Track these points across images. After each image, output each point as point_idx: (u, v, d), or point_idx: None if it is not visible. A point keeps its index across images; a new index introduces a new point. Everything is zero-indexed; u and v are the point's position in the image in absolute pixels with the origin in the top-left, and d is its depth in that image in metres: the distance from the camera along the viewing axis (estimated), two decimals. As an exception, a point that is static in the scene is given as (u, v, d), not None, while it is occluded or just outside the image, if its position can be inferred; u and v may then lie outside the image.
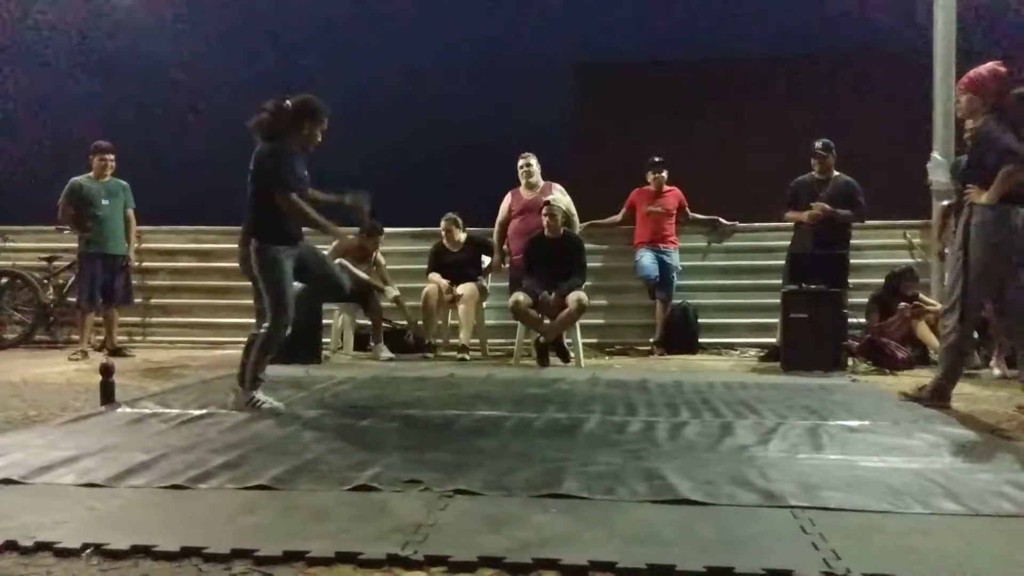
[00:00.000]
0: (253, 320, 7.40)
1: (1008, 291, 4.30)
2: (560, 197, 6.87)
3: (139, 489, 2.70)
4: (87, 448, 3.22)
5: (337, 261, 7.04)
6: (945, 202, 4.54)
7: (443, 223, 7.09)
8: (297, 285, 4.46)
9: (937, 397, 4.41)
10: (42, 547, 2.16)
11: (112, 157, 7.11)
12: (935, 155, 4.49)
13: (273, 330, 4.23)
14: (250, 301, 7.60)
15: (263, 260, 4.21)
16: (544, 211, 6.50)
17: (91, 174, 7.07)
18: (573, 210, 7.08)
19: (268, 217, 4.23)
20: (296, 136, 4.27)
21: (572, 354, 6.49)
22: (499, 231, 7.22)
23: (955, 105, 4.42)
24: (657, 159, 7.50)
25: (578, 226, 7.15)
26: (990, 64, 4.33)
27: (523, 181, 7.14)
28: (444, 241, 7.12)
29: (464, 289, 6.82)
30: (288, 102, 4.22)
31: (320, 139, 4.34)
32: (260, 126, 4.22)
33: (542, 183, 7.13)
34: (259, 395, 4.24)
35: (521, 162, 7.16)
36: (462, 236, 7.13)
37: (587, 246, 6.86)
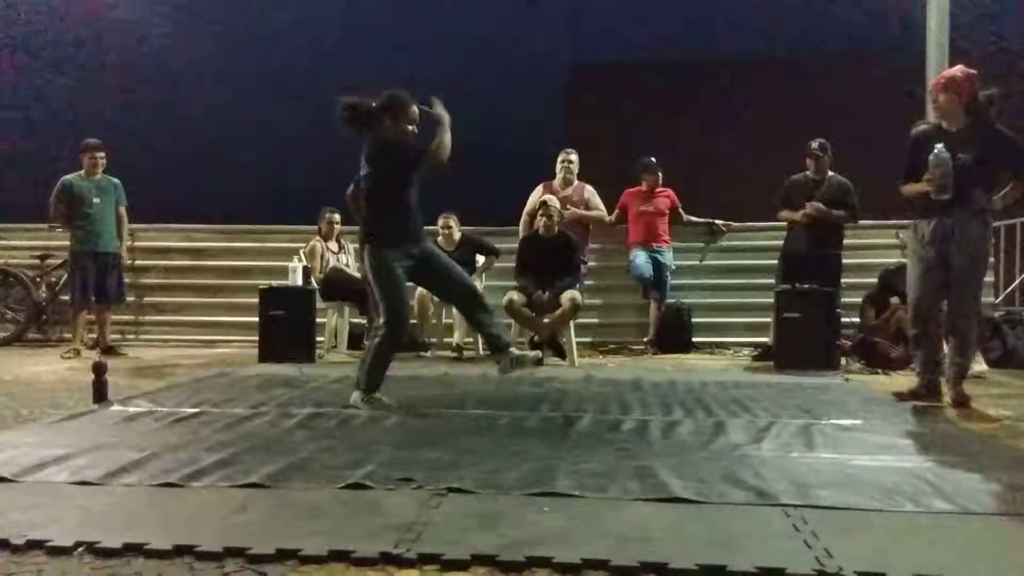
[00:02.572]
0: (244, 318, 7.47)
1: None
2: (557, 199, 6.83)
3: (131, 487, 2.70)
4: (79, 446, 3.21)
5: (331, 267, 7.05)
6: (946, 196, 4.29)
7: (440, 221, 7.08)
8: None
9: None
10: (34, 545, 2.15)
11: (102, 155, 7.07)
12: (942, 149, 4.25)
13: (386, 338, 4.17)
14: (242, 299, 7.68)
15: (375, 266, 4.17)
16: (540, 212, 6.50)
17: (82, 172, 7.04)
18: (603, 211, 7.29)
19: (380, 220, 4.19)
20: (384, 130, 4.18)
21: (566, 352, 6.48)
22: (526, 220, 7.24)
23: (932, 104, 4.44)
24: (652, 160, 7.52)
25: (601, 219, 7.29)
26: (960, 66, 4.45)
27: (561, 176, 7.22)
28: (440, 240, 7.11)
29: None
30: (358, 101, 4.15)
31: (414, 131, 4.23)
32: (346, 123, 4.17)
33: (577, 182, 7.20)
34: (377, 395, 4.21)
35: (562, 157, 7.27)
36: (458, 235, 7.13)
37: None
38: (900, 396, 4.62)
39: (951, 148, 4.27)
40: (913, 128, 4.57)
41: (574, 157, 7.28)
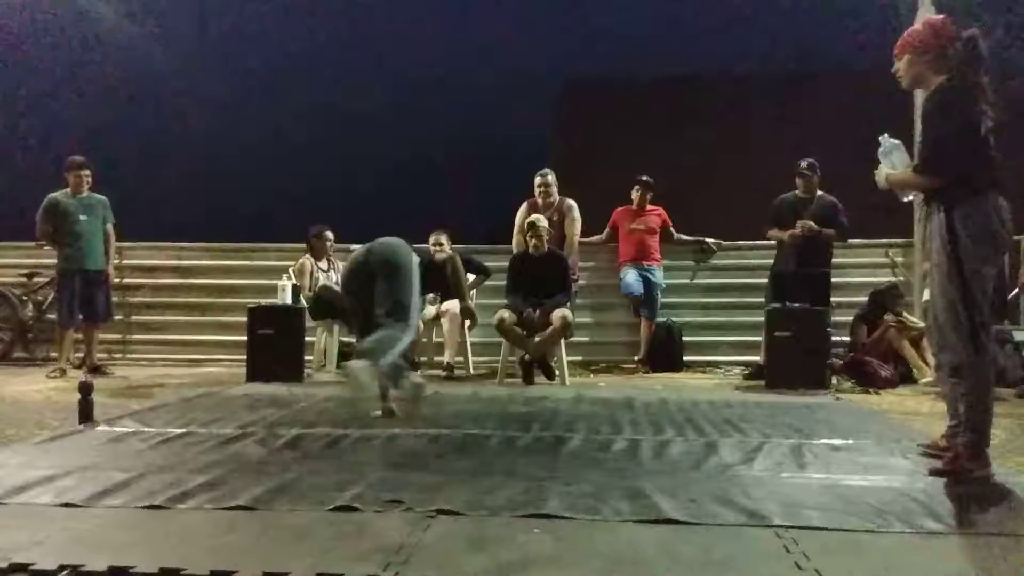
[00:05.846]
0: (231, 337, 7.43)
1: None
2: (542, 218, 6.81)
3: (117, 509, 2.66)
4: (64, 467, 3.18)
5: (321, 285, 7.02)
6: (908, 198, 3.51)
7: (432, 238, 7.05)
8: None
9: (973, 459, 3.14)
10: (17, 569, 2.12)
11: (87, 173, 7.02)
12: (887, 138, 3.46)
13: None
14: (229, 318, 7.65)
15: None
16: (529, 233, 6.50)
17: (68, 190, 7.01)
18: (577, 228, 7.10)
19: None
20: None
21: (556, 372, 6.47)
22: (518, 239, 7.17)
23: (898, 78, 3.47)
24: (643, 178, 7.54)
25: (576, 248, 7.12)
26: (924, 18, 3.55)
27: (540, 201, 7.15)
28: (432, 258, 7.07)
29: (450, 306, 6.79)
30: None
31: None
32: None
33: (558, 199, 7.17)
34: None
35: (538, 180, 7.18)
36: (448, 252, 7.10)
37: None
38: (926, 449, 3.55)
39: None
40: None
41: (551, 179, 7.19)
